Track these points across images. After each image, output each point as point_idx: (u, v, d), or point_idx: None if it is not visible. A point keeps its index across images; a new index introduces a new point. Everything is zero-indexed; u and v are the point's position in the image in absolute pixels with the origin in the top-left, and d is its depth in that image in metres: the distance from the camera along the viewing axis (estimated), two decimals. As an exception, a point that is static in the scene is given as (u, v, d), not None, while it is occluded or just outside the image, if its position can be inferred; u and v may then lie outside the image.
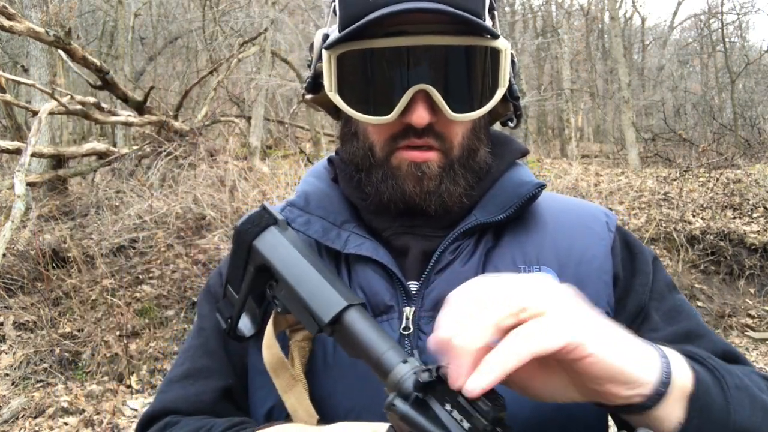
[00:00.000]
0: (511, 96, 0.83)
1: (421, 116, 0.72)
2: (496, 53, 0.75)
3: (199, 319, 0.89)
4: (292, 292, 0.70)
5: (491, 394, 0.52)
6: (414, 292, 0.77)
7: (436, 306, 0.74)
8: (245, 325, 0.79)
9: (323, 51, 0.77)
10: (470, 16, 0.70)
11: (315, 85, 0.83)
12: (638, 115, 19.64)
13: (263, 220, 0.75)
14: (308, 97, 0.86)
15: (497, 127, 0.94)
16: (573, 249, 0.80)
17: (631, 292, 0.80)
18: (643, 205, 7.24)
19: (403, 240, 0.80)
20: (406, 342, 0.74)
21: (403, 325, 0.75)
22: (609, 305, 0.78)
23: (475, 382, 0.50)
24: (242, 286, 0.77)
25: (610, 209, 7.08)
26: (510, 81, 0.80)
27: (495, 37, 0.74)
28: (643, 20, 24.59)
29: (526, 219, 0.82)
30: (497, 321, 0.52)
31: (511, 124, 0.91)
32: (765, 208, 6.94)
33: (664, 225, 6.53)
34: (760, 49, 21.00)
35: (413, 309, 0.75)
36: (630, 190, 7.72)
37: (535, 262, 0.78)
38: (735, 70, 16.51)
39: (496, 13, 0.81)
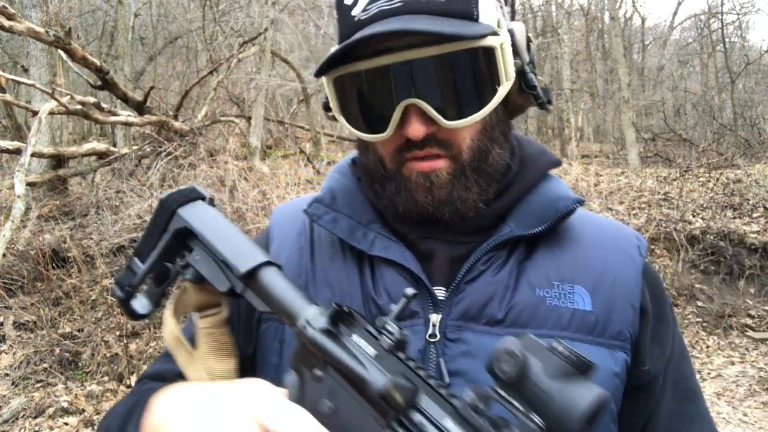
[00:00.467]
0: (527, 86, 0.79)
1: (415, 129, 0.72)
2: (487, 52, 0.72)
3: None
4: (209, 247, 0.69)
5: (395, 325, 0.56)
6: (442, 299, 0.75)
7: (465, 315, 0.74)
8: (141, 303, 0.77)
9: (323, 77, 0.77)
10: (441, 30, 0.68)
11: (328, 104, 0.85)
12: (638, 115, 19.63)
13: (192, 194, 0.75)
14: (330, 114, 0.87)
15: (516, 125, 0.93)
16: (607, 270, 0.79)
17: (662, 340, 0.81)
18: (643, 205, 7.24)
19: (428, 244, 0.80)
20: (432, 349, 0.73)
21: (430, 332, 0.74)
22: (632, 332, 0.77)
23: None
24: (152, 254, 0.75)
25: (610, 209, 7.10)
26: (523, 70, 0.78)
27: (483, 36, 0.71)
28: (643, 20, 24.57)
29: (559, 234, 0.81)
30: None
31: (546, 108, 0.86)
32: (765, 208, 6.94)
33: (664, 225, 6.53)
34: (760, 49, 21.01)
35: (440, 317, 0.74)
36: (630, 190, 7.72)
37: (569, 279, 0.77)
38: (735, 70, 16.52)
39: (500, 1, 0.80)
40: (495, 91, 0.73)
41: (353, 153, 0.92)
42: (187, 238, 0.72)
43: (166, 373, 0.82)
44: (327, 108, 0.85)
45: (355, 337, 0.57)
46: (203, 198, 0.75)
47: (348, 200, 0.83)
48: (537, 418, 0.48)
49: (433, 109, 0.71)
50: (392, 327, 0.56)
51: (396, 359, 0.55)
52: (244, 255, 0.67)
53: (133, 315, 0.77)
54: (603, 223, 0.87)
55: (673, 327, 0.83)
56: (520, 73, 0.78)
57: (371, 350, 0.56)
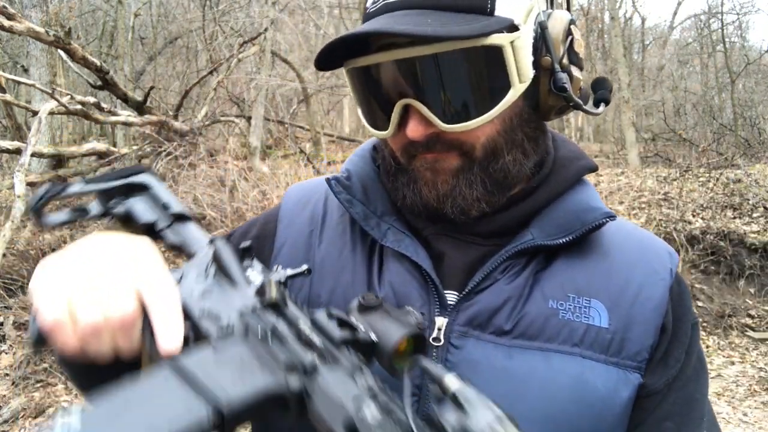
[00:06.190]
0: (555, 88, 0.71)
1: (414, 130, 0.69)
2: (493, 51, 0.65)
3: None
4: (157, 196, 0.79)
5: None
6: (451, 304, 0.72)
7: (472, 321, 0.71)
8: (59, 217, 0.82)
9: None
10: (419, 32, 0.63)
11: None
12: (638, 115, 19.61)
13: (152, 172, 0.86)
14: None
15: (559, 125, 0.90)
16: (629, 286, 0.74)
17: (669, 358, 0.74)
18: (643, 205, 7.24)
19: (441, 243, 0.76)
20: (434, 353, 0.70)
21: (434, 335, 0.70)
22: (651, 350, 0.72)
23: None
24: (101, 185, 0.85)
25: (610, 209, 7.08)
26: (553, 69, 0.70)
27: (485, 35, 0.64)
28: (643, 20, 24.59)
29: (582, 244, 0.76)
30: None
31: (597, 110, 0.78)
32: (765, 208, 6.93)
33: (664, 225, 6.53)
34: (760, 49, 21.03)
35: (446, 321, 0.71)
36: (630, 190, 7.71)
37: (586, 293, 0.72)
38: (735, 70, 16.50)
39: None
40: (504, 93, 0.67)
41: (362, 148, 0.89)
42: (135, 191, 0.79)
43: None
44: None
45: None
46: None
47: (364, 186, 0.80)
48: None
49: (429, 112, 0.67)
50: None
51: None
52: (182, 208, 0.77)
53: (43, 221, 0.74)
54: (633, 236, 0.81)
55: (689, 347, 0.76)
56: (550, 72, 0.71)
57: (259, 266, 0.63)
